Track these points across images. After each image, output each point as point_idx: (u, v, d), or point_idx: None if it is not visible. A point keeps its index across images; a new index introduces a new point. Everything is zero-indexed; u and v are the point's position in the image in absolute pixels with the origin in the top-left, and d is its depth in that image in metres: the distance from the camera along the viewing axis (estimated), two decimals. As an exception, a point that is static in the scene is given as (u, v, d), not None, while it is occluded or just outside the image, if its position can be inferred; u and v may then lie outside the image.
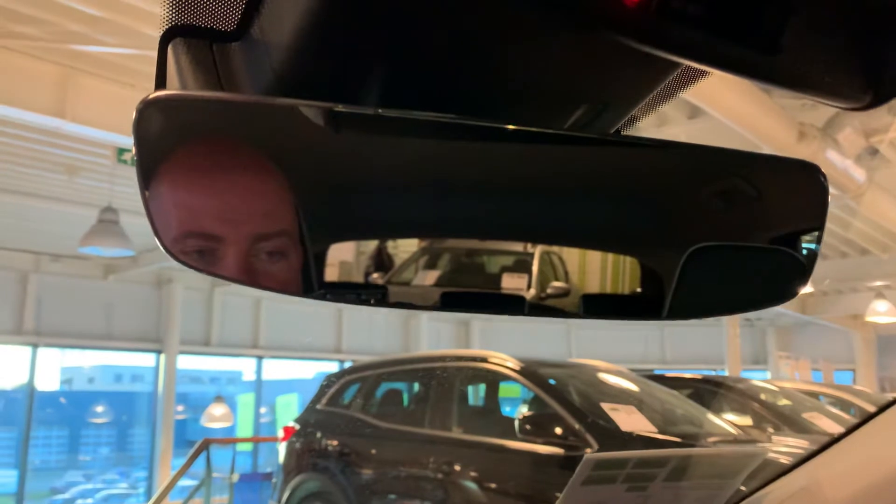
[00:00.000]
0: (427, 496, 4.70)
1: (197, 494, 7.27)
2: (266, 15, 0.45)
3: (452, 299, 0.48)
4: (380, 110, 0.43)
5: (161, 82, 0.47)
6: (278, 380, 13.46)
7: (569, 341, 15.79)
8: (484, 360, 5.24)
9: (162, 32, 0.48)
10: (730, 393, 6.32)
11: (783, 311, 12.40)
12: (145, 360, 11.66)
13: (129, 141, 5.09)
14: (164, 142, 0.40)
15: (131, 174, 4.59)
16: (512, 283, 0.52)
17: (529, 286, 0.52)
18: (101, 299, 10.86)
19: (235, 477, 6.99)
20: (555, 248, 0.52)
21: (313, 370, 13.33)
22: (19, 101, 5.06)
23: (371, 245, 0.50)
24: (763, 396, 6.30)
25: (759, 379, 8.30)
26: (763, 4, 0.38)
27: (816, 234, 0.49)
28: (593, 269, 0.51)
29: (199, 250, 0.42)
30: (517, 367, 4.90)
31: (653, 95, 0.51)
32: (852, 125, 5.51)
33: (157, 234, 0.40)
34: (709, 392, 6.33)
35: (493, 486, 4.49)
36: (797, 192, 0.49)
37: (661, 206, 0.49)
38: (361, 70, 0.45)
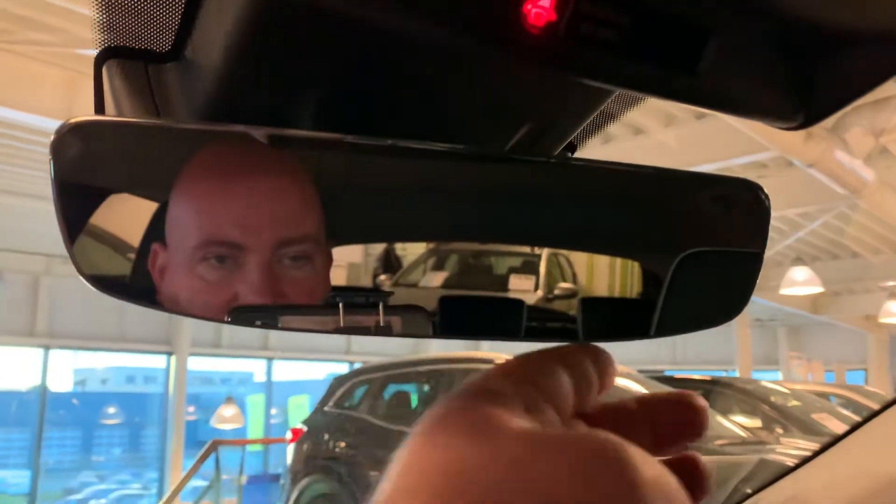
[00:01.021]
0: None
1: (207, 496, 7.31)
2: (198, 36, 0.45)
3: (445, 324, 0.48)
4: (308, 133, 0.43)
5: (99, 104, 0.47)
6: (289, 381, 13.52)
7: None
8: (492, 361, 5.23)
9: (96, 54, 0.48)
10: (739, 394, 6.29)
11: (795, 312, 12.32)
12: (157, 361, 11.73)
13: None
14: (82, 171, 0.40)
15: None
16: (519, 284, 0.52)
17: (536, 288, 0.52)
18: (112, 301, 10.78)
19: (244, 478, 7.02)
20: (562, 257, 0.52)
21: (324, 371, 13.37)
22: (29, 106, 5.10)
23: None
24: (772, 398, 6.27)
25: (770, 380, 8.25)
26: (680, 26, 0.37)
27: (759, 250, 0.49)
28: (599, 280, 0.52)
29: (124, 285, 0.42)
30: (523, 369, 4.90)
31: (599, 113, 0.50)
32: (860, 125, 5.46)
33: (74, 261, 0.40)
34: (718, 393, 6.31)
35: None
36: (741, 209, 0.49)
37: (606, 229, 0.49)
38: (293, 94, 0.45)
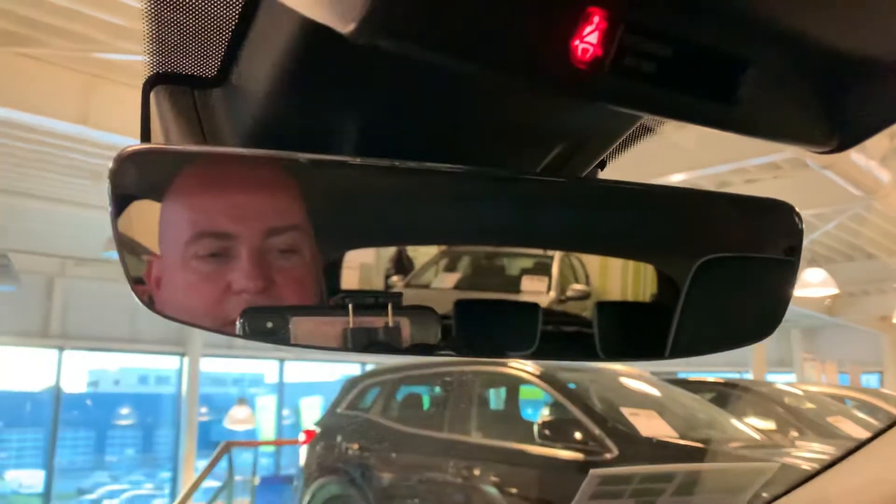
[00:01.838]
0: (447, 500, 4.71)
1: (220, 497, 7.33)
2: (244, 63, 0.46)
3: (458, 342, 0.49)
4: (346, 159, 0.43)
5: (146, 129, 0.48)
6: (301, 382, 13.55)
7: (591, 343, 15.72)
8: (504, 364, 5.22)
9: (144, 80, 0.49)
10: (753, 397, 6.25)
11: (808, 313, 12.24)
12: (169, 362, 11.79)
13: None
14: (140, 194, 0.41)
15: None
16: (531, 285, 0.52)
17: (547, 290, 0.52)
18: (125, 302, 10.90)
19: (257, 480, 7.05)
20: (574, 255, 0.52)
21: (336, 373, 13.39)
22: (45, 109, 5.15)
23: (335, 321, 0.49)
24: (787, 400, 6.22)
25: (784, 382, 8.20)
26: (718, 57, 0.38)
27: (793, 269, 0.49)
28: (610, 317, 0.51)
29: (178, 304, 0.43)
30: (537, 372, 4.89)
31: (627, 135, 0.51)
32: (877, 126, 5.43)
33: (130, 283, 0.41)
34: (731, 396, 6.27)
35: (512, 490, 4.48)
36: (774, 229, 0.49)
37: (642, 249, 0.49)
38: (335, 119, 0.46)
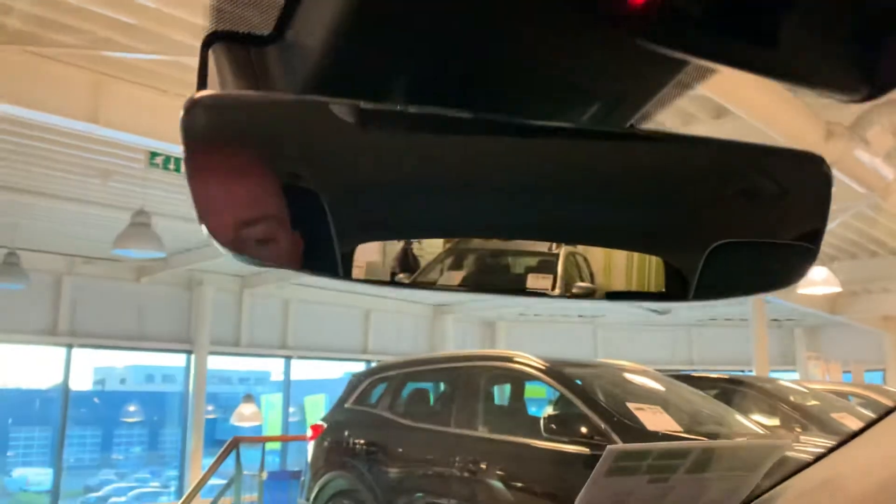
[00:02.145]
0: (453, 494, 4.73)
1: (227, 493, 7.37)
2: (300, 19, 0.48)
3: (480, 285, 0.52)
4: (401, 107, 0.46)
5: (202, 83, 0.51)
6: (306, 380, 13.60)
7: (595, 342, 15.73)
8: (510, 359, 5.26)
9: (203, 37, 0.52)
10: (757, 393, 6.27)
11: (811, 312, 12.25)
12: (176, 360, 11.84)
13: (160, 145, 5.19)
14: (207, 137, 0.44)
15: (163, 177, 4.68)
16: (537, 283, 0.55)
17: (554, 286, 0.55)
18: (133, 301, 11.05)
19: (264, 475, 7.08)
20: (580, 249, 0.55)
21: (341, 370, 13.45)
22: (54, 107, 5.18)
23: (396, 246, 0.53)
24: (791, 397, 6.24)
25: (788, 380, 8.21)
26: (760, 2, 0.41)
27: (822, 220, 0.51)
28: (618, 268, 0.54)
29: (243, 239, 0.46)
30: (543, 367, 4.91)
31: (664, 91, 0.53)
32: (881, 123, 5.45)
33: (207, 226, 0.44)
34: (736, 392, 6.29)
35: (518, 484, 4.51)
36: (805, 181, 0.52)
37: (676, 200, 0.51)
38: (389, 70, 0.48)
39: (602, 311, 14.91)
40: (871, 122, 5.52)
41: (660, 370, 5.99)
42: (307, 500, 5.72)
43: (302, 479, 6.02)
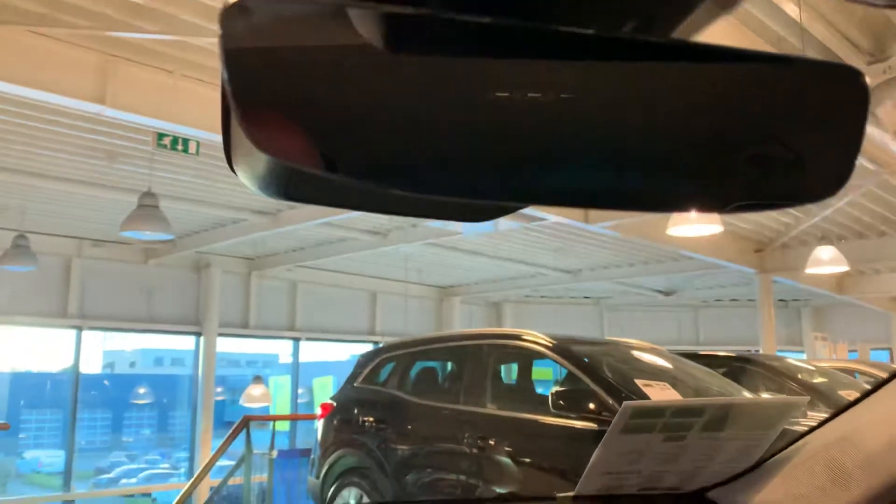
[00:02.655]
0: (462, 470, 4.77)
1: (237, 473, 7.44)
2: None
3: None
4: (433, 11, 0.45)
5: None
6: (313, 362, 13.68)
7: (602, 324, 15.76)
8: (517, 337, 5.28)
9: None
10: (765, 370, 6.29)
11: (819, 292, 12.24)
12: (185, 343, 11.92)
13: (168, 126, 5.18)
14: (244, 39, 0.44)
15: (170, 159, 4.68)
16: None
17: None
18: (141, 283, 11.12)
19: (274, 453, 7.14)
20: None
21: (347, 353, 13.52)
22: (61, 88, 5.18)
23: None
24: (798, 374, 6.27)
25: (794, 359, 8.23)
26: None
27: (859, 134, 0.51)
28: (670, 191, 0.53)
29: (277, 140, 0.45)
30: (550, 344, 4.93)
31: (695, 12, 0.50)
32: (892, 98, 5.42)
33: (244, 125, 0.44)
34: (743, 370, 6.32)
35: (526, 460, 4.54)
36: (839, 97, 0.51)
37: (718, 123, 0.51)
38: None
39: (609, 292, 14.93)
40: (881, 99, 5.49)
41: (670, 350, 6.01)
42: (317, 477, 5.77)
43: (312, 456, 6.07)
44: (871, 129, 5.47)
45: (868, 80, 0.50)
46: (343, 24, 0.44)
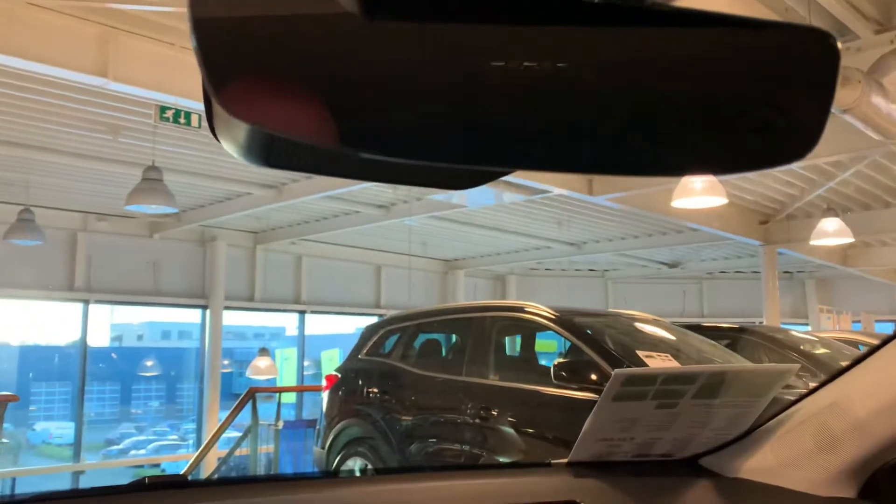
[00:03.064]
0: (465, 440, 4.82)
1: (244, 444, 7.54)
2: None
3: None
4: None
5: None
6: (319, 335, 13.76)
7: (606, 296, 15.79)
8: (520, 309, 5.30)
9: None
10: (767, 342, 6.32)
11: (824, 264, 12.22)
12: (192, 316, 12.01)
13: (170, 99, 5.17)
14: (217, 18, 0.44)
15: (173, 132, 4.69)
16: None
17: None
18: (147, 257, 11.17)
19: (280, 424, 7.23)
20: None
21: (353, 325, 13.60)
22: (62, 61, 5.16)
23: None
24: (801, 345, 6.29)
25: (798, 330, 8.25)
26: None
27: (829, 95, 0.51)
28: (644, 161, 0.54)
29: (251, 107, 0.46)
30: (553, 316, 4.95)
31: None
32: (898, 68, 5.36)
33: (219, 98, 0.44)
34: (746, 341, 6.34)
35: (528, 430, 4.59)
36: (810, 59, 0.51)
37: (696, 91, 0.51)
38: None
39: (613, 264, 14.94)
40: (888, 68, 5.43)
41: (671, 322, 6.03)
42: (322, 447, 5.85)
43: (317, 427, 6.14)
44: (877, 100, 5.42)
45: (840, 45, 0.50)
46: None
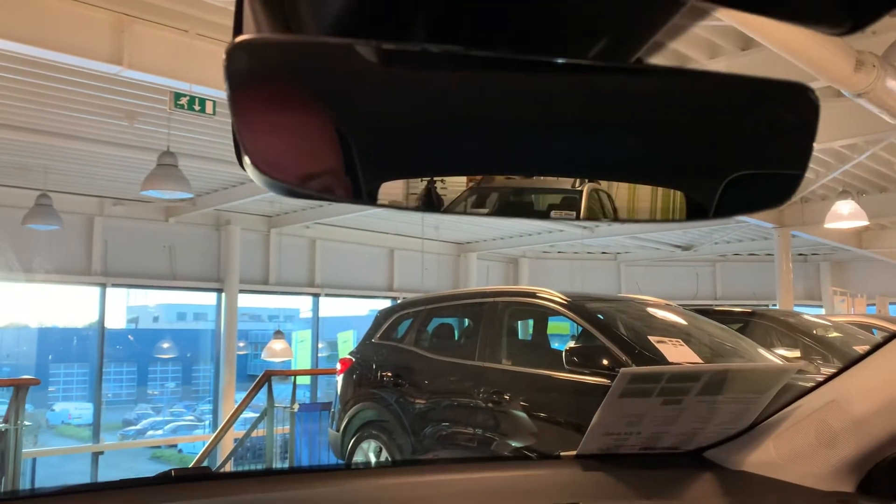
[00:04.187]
0: (478, 424, 4.88)
1: (260, 426, 7.64)
2: None
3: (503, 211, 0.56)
4: (421, 46, 0.49)
5: (238, 28, 0.54)
6: (333, 317, 13.87)
7: (619, 279, 15.78)
8: (533, 295, 5.33)
9: None
10: (779, 326, 6.33)
11: (838, 246, 12.15)
12: (207, 298, 12.13)
13: (184, 85, 5.21)
14: (248, 78, 0.47)
15: (188, 118, 4.74)
16: (560, 216, 0.59)
17: (578, 217, 0.59)
18: (163, 241, 11.27)
19: (296, 407, 7.32)
20: (603, 186, 0.59)
21: (366, 308, 13.70)
22: (78, 49, 5.21)
23: (420, 184, 0.56)
24: (813, 329, 6.29)
25: (811, 314, 8.24)
26: None
27: (808, 144, 0.55)
28: (642, 204, 0.58)
29: (282, 169, 0.50)
30: (565, 301, 4.99)
31: (667, 27, 0.52)
32: (913, 52, 5.31)
33: (250, 158, 0.48)
34: (758, 325, 6.35)
35: (541, 414, 4.63)
36: (792, 111, 0.54)
37: (683, 133, 0.55)
38: (409, 11, 0.51)
39: (626, 247, 14.92)
40: (903, 51, 5.38)
41: (683, 305, 6.05)
42: (337, 429, 5.93)
43: (332, 410, 6.22)
44: (892, 83, 5.38)
45: (816, 91, 0.53)
46: (340, 52, 0.49)
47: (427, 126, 0.53)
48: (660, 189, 0.56)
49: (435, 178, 0.55)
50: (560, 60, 0.48)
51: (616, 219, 0.59)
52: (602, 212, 0.58)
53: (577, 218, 0.59)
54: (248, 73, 0.48)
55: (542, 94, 0.51)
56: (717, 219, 0.56)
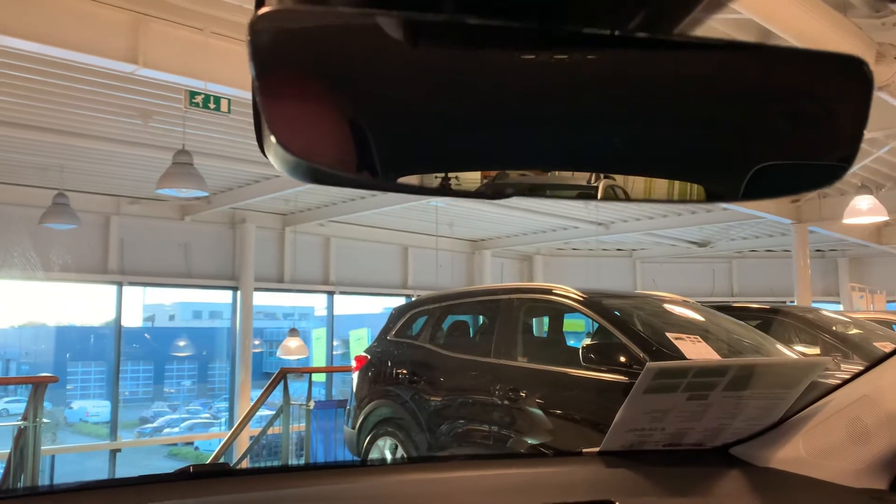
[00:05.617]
0: (493, 421, 4.86)
1: (276, 423, 7.66)
2: None
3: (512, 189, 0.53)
4: (446, 17, 0.46)
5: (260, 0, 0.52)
6: (348, 315, 13.90)
7: (634, 275, 15.69)
8: (548, 291, 5.30)
9: None
10: (798, 322, 6.26)
11: (857, 242, 12.02)
12: (223, 296, 12.18)
13: (199, 84, 5.21)
14: (272, 51, 0.45)
15: (203, 117, 4.75)
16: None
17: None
18: (178, 239, 11.33)
19: (312, 404, 7.33)
20: (619, 181, 0.56)
21: (381, 305, 13.70)
22: (94, 48, 5.22)
23: (435, 180, 0.54)
24: (833, 326, 6.22)
25: (829, 310, 8.15)
26: None
27: (860, 125, 0.52)
28: (659, 197, 0.55)
29: (307, 147, 0.48)
30: (581, 298, 4.95)
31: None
32: (935, 43, 5.23)
33: (276, 136, 0.46)
34: (777, 322, 6.29)
35: (557, 412, 4.60)
36: (846, 87, 0.51)
37: (721, 116, 0.52)
38: None
39: (641, 243, 14.83)
40: (925, 43, 5.30)
41: (700, 302, 5.99)
42: (353, 427, 5.93)
43: (347, 407, 6.22)
44: (913, 76, 5.30)
45: (871, 69, 0.50)
46: (367, 27, 0.46)
47: (456, 111, 0.50)
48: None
49: (447, 185, 0.52)
50: (605, 32, 0.45)
51: (671, 200, 0.56)
52: (650, 192, 0.55)
53: (627, 199, 0.57)
54: (273, 46, 0.45)
55: (586, 74, 0.49)
56: (770, 198, 0.54)
